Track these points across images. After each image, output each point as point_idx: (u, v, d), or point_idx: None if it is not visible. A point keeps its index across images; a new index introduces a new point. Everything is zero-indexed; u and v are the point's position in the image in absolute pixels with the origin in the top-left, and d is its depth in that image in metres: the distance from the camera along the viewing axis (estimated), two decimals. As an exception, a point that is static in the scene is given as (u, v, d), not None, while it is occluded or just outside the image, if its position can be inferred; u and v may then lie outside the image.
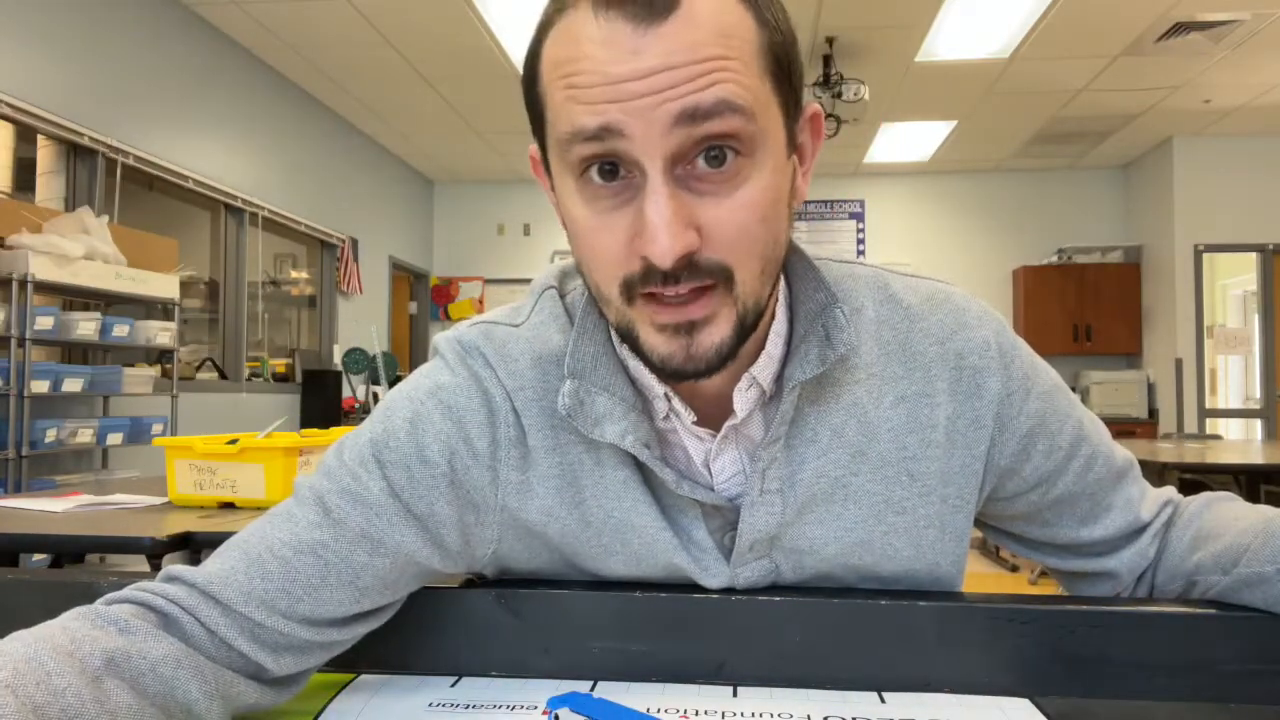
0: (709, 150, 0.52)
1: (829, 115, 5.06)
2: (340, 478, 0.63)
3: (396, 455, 0.63)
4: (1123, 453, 0.75)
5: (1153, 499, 0.76)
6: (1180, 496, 0.79)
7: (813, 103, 0.62)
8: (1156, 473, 3.91)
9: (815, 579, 0.69)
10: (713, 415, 0.65)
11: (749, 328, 0.58)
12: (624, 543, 0.67)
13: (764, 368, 0.64)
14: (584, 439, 0.65)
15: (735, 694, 0.62)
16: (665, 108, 0.51)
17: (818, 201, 7.52)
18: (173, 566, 0.61)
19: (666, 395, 0.64)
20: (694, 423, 0.65)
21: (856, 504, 0.66)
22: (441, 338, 0.71)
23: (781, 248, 0.59)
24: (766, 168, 0.54)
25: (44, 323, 3.14)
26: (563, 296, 0.71)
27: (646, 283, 0.55)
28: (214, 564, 0.61)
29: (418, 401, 0.66)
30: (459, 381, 0.66)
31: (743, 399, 0.63)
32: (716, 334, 0.56)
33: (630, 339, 0.59)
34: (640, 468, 0.66)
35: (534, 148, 0.64)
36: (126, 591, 0.58)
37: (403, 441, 0.64)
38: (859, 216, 7.51)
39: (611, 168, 0.54)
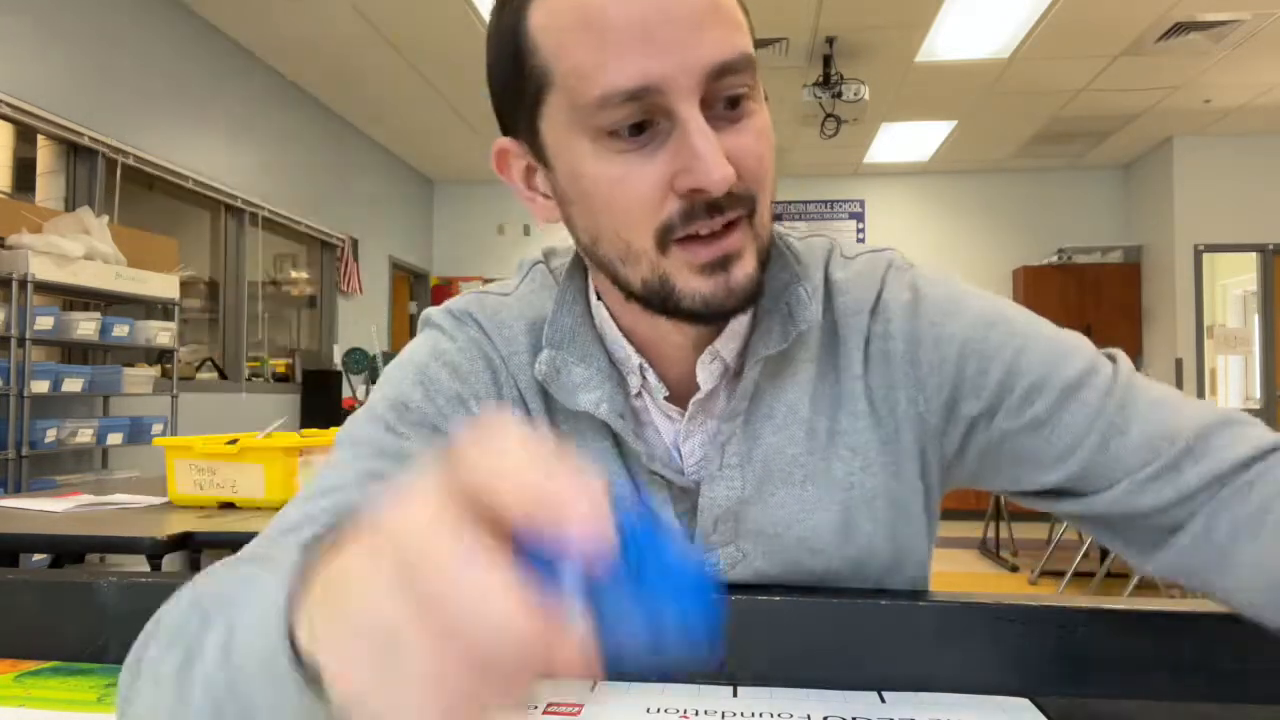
0: (728, 96, 0.56)
1: (829, 115, 5.06)
2: (374, 443, 0.62)
3: (419, 415, 0.64)
4: (1131, 374, 0.64)
5: (1200, 420, 0.60)
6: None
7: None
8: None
9: (787, 567, 0.69)
10: (681, 396, 0.66)
11: (765, 263, 0.61)
12: None
13: (727, 342, 0.65)
14: (567, 410, 0.67)
15: (735, 694, 0.62)
16: (700, 60, 0.53)
17: (818, 201, 7.52)
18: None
19: (641, 368, 0.65)
20: (665, 398, 0.66)
21: (814, 483, 0.67)
22: (432, 310, 0.71)
23: (776, 186, 0.61)
24: (763, 107, 0.58)
25: (44, 323, 3.14)
26: (551, 270, 0.72)
27: (689, 222, 0.56)
28: (273, 552, 0.56)
29: (422, 365, 0.66)
30: (459, 345, 0.68)
31: (706, 372, 0.65)
32: (747, 265, 0.58)
33: (664, 294, 0.59)
34: (616, 443, 0.67)
35: (504, 141, 0.63)
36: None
37: (420, 402, 0.64)
38: (859, 216, 7.51)
39: (637, 125, 0.54)
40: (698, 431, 0.67)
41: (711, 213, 0.55)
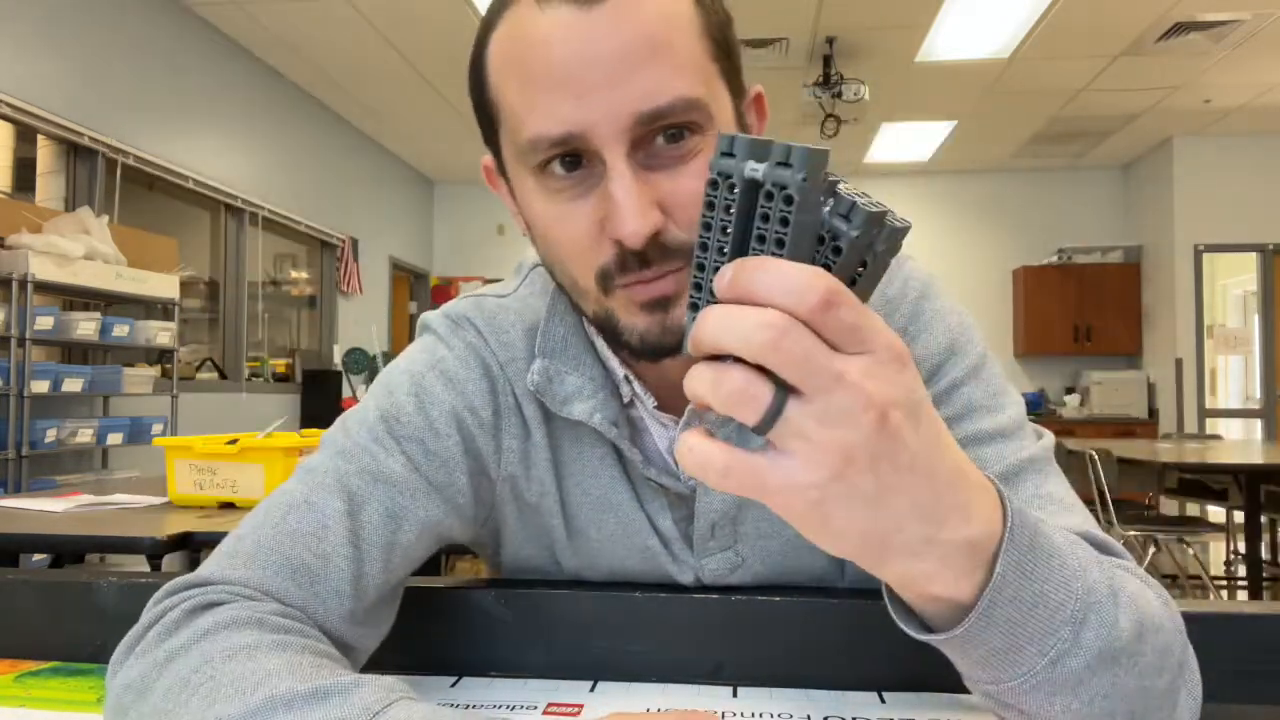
0: (667, 130, 0.54)
1: (829, 115, 5.06)
2: (358, 458, 0.61)
3: (409, 430, 0.63)
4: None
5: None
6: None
7: (756, 84, 0.63)
8: (1156, 473, 3.92)
9: (785, 570, 0.69)
10: (678, 404, 0.66)
11: None
12: (600, 526, 0.68)
13: None
14: (565, 417, 0.66)
15: (735, 694, 0.62)
16: (625, 107, 0.51)
17: (818, 201, 7.51)
18: (206, 574, 0.56)
19: (628, 379, 0.65)
20: (656, 408, 0.66)
21: None
22: (430, 314, 0.71)
23: None
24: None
25: (44, 323, 3.14)
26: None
27: (624, 273, 0.55)
28: (253, 572, 0.55)
29: (418, 375, 0.66)
30: (456, 353, 0.67)
31: None
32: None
33: (610, 328, 0.59)
34: (614, 450, 0.67)
35: (487, 158, 0.65)
36: (225, 614, 0.51)
37: (412, 415, 0.64)
38: (859, 216, 7.50)
39: (573, 159, 0.54)
40: None
41: (642, 265, 0.54)
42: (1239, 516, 3.89)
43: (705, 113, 0.54)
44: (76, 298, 3.64)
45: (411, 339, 0.73)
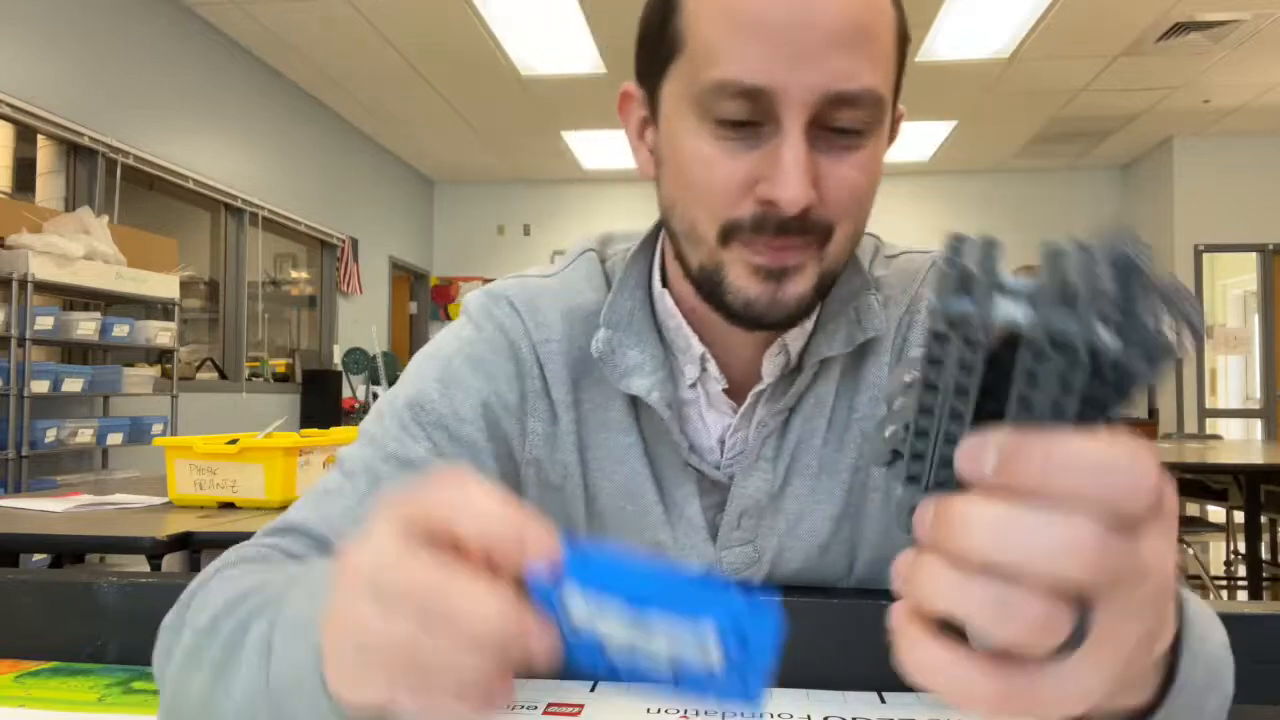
0: (841, 127, 0.55)
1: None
2: (384, 443, 0.63)
3: (433, 416, 0.64)
4: None
5: None
6: None
7: (900, 105, 0.63)
8: (1156, 473, 3.91)
9: (798, 569, 0.69)
10: (735, 391, 0.66)
11: (826, 289, 0.60)
12: (617, 511, 0.68)
13: (796, 338, 0.65)
14: (595, 400, 0.66)
15: (735, 694, 0.61)
16: (821, 81, 0.52)
17: (818, 201, 7.52)
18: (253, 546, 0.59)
19: (703, 358, 0.65)
20: (723, 390, 0.66)
21: (826, 473, 0.67)
22: (471, 294, 0.72)
23: (865, 223, 0.60)
24: (879, 144, 0.57)
25: (44, 323, 3.15)
26: (602, 261, 0.71)
27: (757, 233, 0.56)
28: (296, 546, 0.59)
29: (445, 359, 0.66)
30: (485, 335, 0.67)
31: (771, 364, 0.64)
32: (802, 284, 0.57)
33: (713, 284, 0.59)
34: (642, 438, 0.67)
35: (631, 86, 0.64)
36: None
37: (436, 402, 0.64)
38: (859, 216, 7.50)
39: (748, 113, 0.54)
40: (743, 427, 0.67)
41: (779, 232, 0.55)
42: (1239, 516, 3.89)
43: (881, 112, 0.55)
44: (76, 298, 3.64)
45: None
